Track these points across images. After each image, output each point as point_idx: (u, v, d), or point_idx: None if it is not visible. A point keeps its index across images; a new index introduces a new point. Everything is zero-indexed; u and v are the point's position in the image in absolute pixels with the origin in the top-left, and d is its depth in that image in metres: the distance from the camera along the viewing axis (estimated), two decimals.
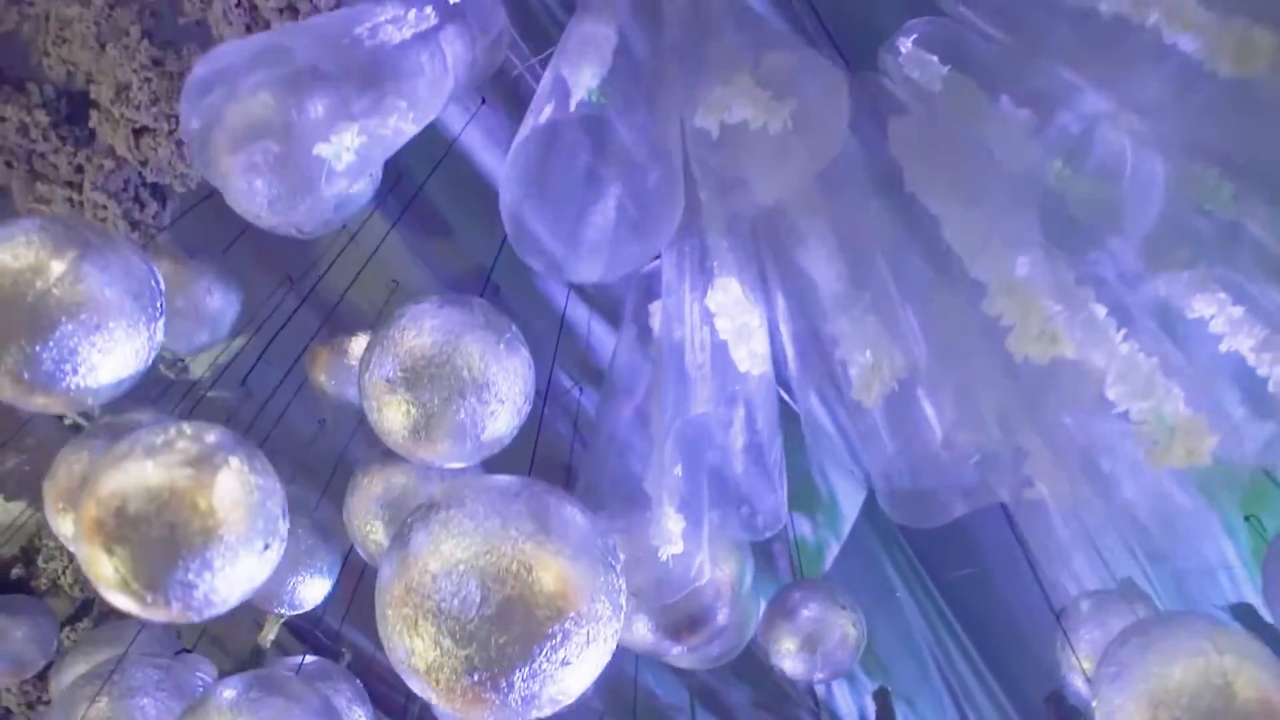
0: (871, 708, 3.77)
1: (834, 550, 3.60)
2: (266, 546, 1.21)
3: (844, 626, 2.14)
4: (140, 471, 1.13)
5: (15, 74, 1.77)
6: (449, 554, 1.19)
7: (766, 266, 1.64)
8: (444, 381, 1.47)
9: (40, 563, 2.70)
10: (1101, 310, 1.29)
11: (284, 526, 1.29)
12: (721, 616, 1.89)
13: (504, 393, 1.50)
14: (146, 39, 1.70)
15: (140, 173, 1.79)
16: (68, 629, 2.52)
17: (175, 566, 1.08)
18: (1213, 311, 1.53)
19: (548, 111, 1.19)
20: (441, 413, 1.48)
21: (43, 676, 2.34)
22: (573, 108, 1.24)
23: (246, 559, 1.16)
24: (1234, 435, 1.11)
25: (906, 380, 1.30)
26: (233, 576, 1.14)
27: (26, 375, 1.23)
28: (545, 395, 2.26)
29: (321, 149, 1.19)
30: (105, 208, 1.81)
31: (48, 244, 1.25)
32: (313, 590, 2.21)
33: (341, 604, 2.65)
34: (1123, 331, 1.26)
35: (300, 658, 2.06)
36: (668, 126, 1.27)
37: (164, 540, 1.08)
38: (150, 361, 1.34)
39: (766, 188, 1.51)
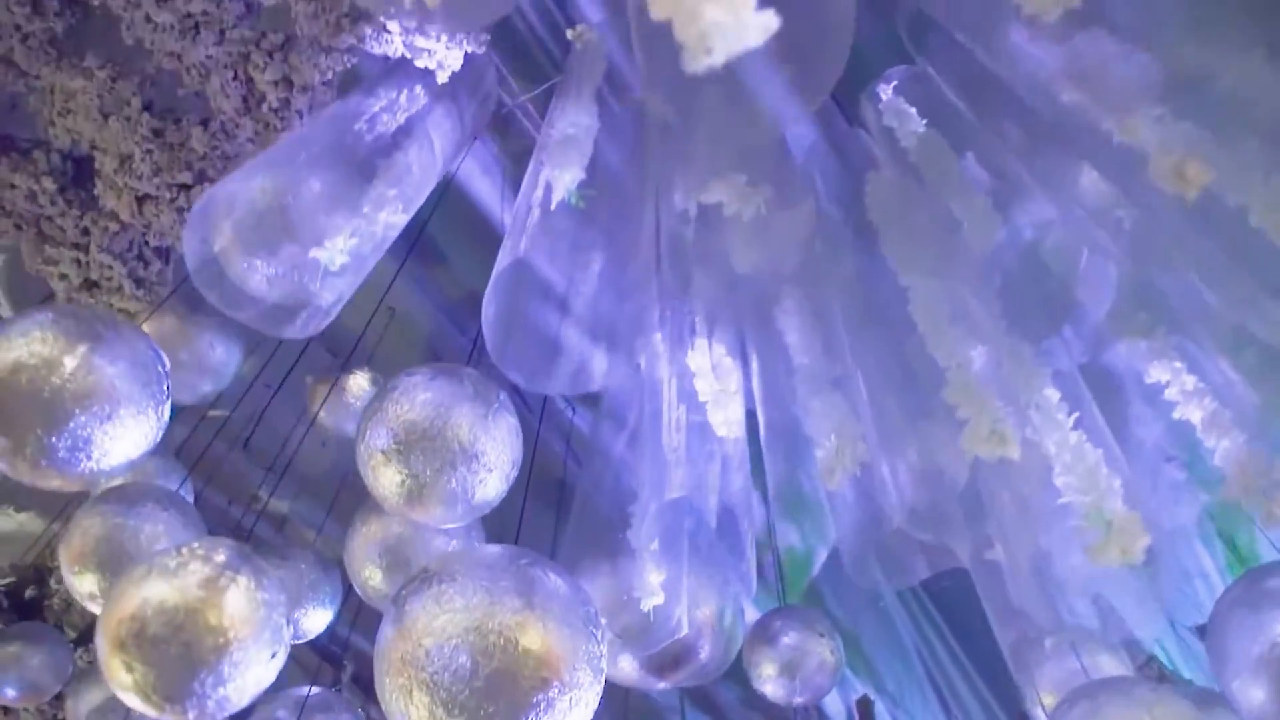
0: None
1: (822, 556, 3.70)
2: (274, 655, 1.30)
3: (822, 653, 2.25)
4: (157, 593, 1.22)
5: (23, 142, 1.83)
6: (441, 629, 1.28)
7: (745, 330, 1.72)
8: (436, 453, 1.55)
9: (53, 583, 2.81)
10: (1055, 395, 1.36)
11: (289, 632, 1.39)
12: (704, 654, 1.98)
13: (492, 461, 1.58)
14: (147, 111, 1.77)
15: (144, 234, 1.87)
16: (81, 650, 2.63)
17: (191, 680, 1.18)
18: (1167, 379, 1.61)
19: (534, 216, 1.26)
20: (434, 481, 1.57)
21: (59, 697, 2.46)
22: (553, 206, 1.31)
23: (256, 667, 1.26)
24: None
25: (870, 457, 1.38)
26: (243, 684, 1.24)
27: (44, 462, 1.32)
28: (540, 414, 2.35)
29: (317, 253, 1.26)
30: (111, 268, 1.88)
31: (60, 338, 1.34)
32: (316, 620, 2.32)
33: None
34: (1074, 417, 1.34)
35: (306, 689, 2.17)
36: (644, 217, 1.34)
37: (180, 658, 1.18)
38: (159, 439, 1.43)
39: (744, 261, 1.59)
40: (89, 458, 1.32)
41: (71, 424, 1.30)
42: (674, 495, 1.39)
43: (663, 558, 1.48)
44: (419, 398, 1.58)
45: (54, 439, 1.29)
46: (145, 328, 1.95)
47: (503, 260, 1.21)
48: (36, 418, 1.27)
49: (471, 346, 2.24)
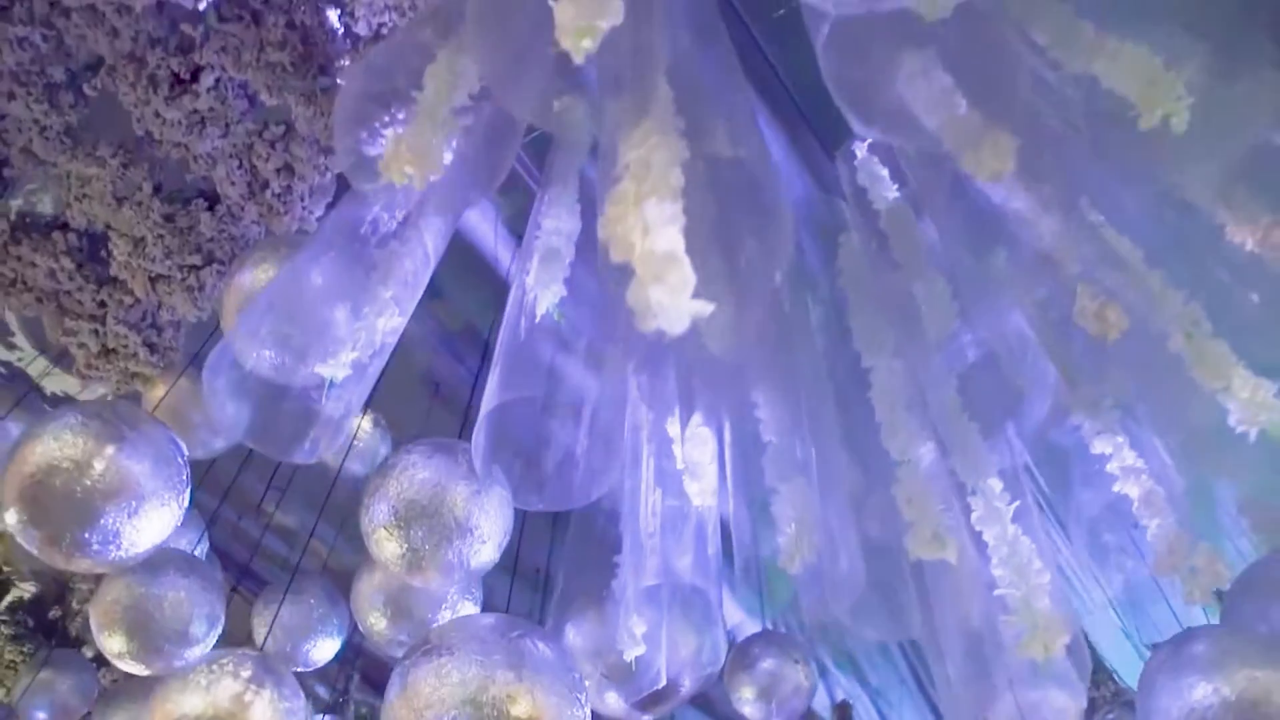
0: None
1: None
2: None
3: (798, 678, 2.42)
4: (191, 705, 1.37)
5: (42, 224, 1.95)
6: (441, 700, 1.44)
7: (720, 400, 1.84)
8: (434, 529, 1.69)
9: (74, 604, 2.97)
10: (998, 485, 1.49)
11: None
12: (685, 689, 2.14)
13: (486, 534, 1.72)
14: (157, 195, 1.88)
15: (157, 307, 1.99)
16: (104, 670, 2.80)
17: None
18: (1110, 451, 1.74)
19: (521, 326, 1.39)
20: (432, 552, 1.71)
21: (85, 717, 2.63)
22: (538, 319, 1.43)
23: None
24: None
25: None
26: None
27: (77, 554, 1.45)
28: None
29: (321, 369, 1.38)
30: (126, 337, 2.00)
31: (89, 440, 1.46)
32: (325, 650, 2.48)
33: None
34: (1014, 506, 1.47)
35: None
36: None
37: None
38: (181, 522, 1.56)
39: (712, 342, 1.71)
40: (118, 547, 1.46)
41: (102, 521, 1.43)
42: (649, 583, 1.53)
43: (644, 610, 1.62)
44: (418, 476, 1.72)
45: (86, 534, 1.42)
46: (159, 391, 2.09)
47: (491, 397, 1.34)
48: (70, 516, 1.41)
49: (473, 380, 2.38)
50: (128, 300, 1.98)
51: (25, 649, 2.80)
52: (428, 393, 3.14)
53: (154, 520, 1.50)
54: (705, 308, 0.74)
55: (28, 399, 2.40)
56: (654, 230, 0.78)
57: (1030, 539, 1.43)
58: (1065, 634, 1.27)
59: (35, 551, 1.47)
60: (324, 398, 1.39)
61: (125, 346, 2.02)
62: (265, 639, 2.30)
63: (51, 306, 1.99)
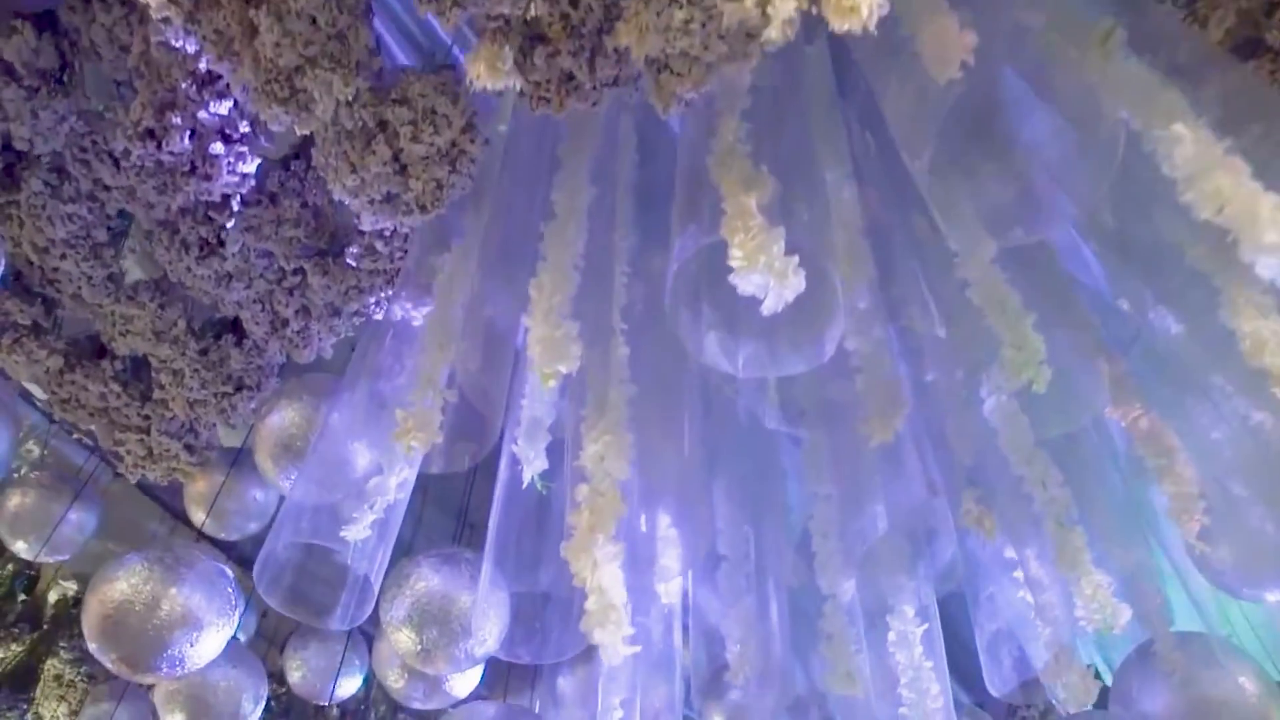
0: None
1: None
2: None
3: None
4: None
5: (92, 355, 2.22)
6: None
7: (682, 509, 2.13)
8: (443, 630, 2.01)
9: None
10: (910, 610, 1.78)
11: None
12: None
13: (487, 633, 2.04)
14: (191, 333, 2.14)
15: (195, 420, 2.27)
16: None
17: None
18: (1015, 557, 2.03)
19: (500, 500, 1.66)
20: (440, 648, 2.03)
21: None
22: (524, 484, 1.71)
23: None
24: None
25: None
26: None
27: (149, 674, 1.77)
28: None
29: (347, 533, 1.67)
30: (168, 445, 2.29)
31: (156, 581, 1.76)
32: (348, 687, 2.83)
33: None
34: (923, 629, 1.77)
35: None
36: None
37: None
38: (234, 635, 1.88)
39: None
40: (182, 666, 1.77)
41: (169, 650, 1.75)
42: (621, 697, 1.84)
43: (620, 677, 1.93)
44: (430, 583, 2.03)
45: (156, 660, 1.74)
46: (199, 484, 2.39)
47: (486, 578, 1.62)
48: (143, 648, 1.72)
49: (467, 483, 2.67)
50: (169, 415, 2.26)
51: (83, 670, 3.17)
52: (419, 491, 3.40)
53: (211, 642, 1.82)
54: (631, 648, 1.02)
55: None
56: (601, 566, 1.06)
57: (934, 662, 1.73)
58: None
59: (111, 669, 1.79)
60: (349, 559, 1.68)
61: (168, 451, 2.31)
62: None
63: (103, 421, 2.27)
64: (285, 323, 2.11)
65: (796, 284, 1.01)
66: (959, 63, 1.15)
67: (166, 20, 1.50)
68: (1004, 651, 1.96)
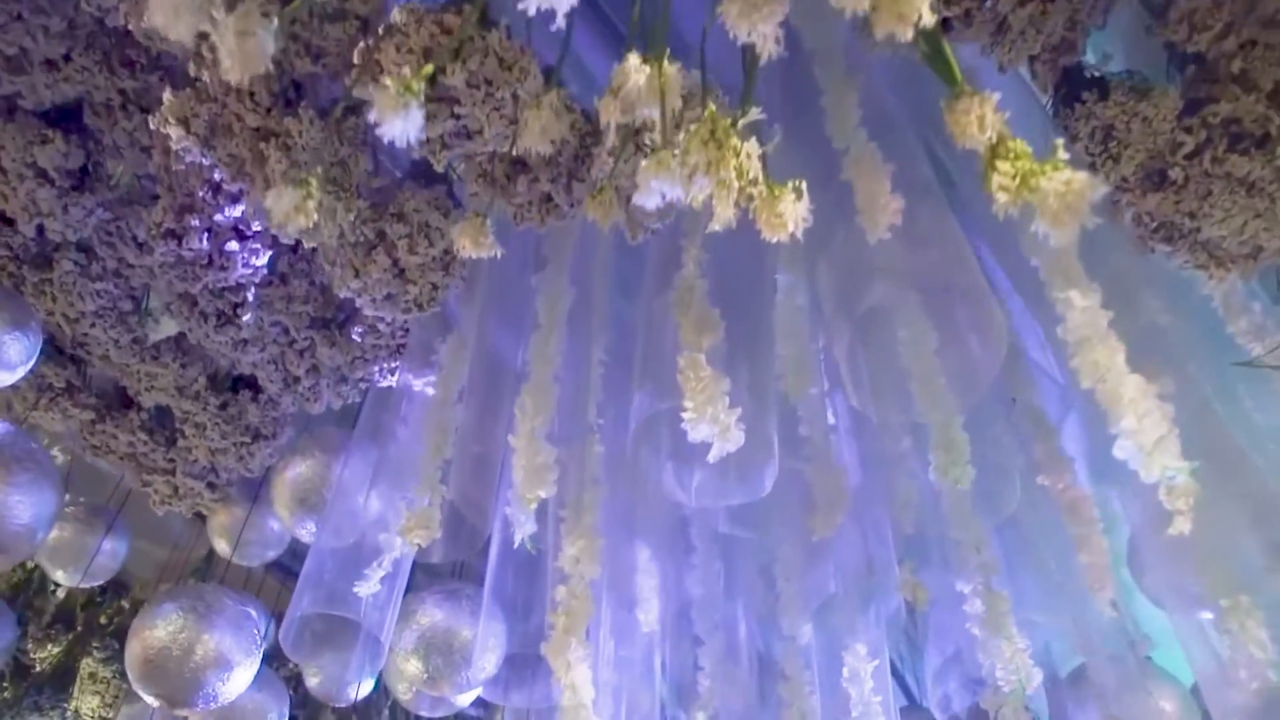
0: None
1: None
2: None
3: None
4: None
5: (120, 406, 2.41)
6: None
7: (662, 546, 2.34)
8: (447, 658, 2.23)
9: None
10: (864, 648, 1.99)
11: None
12: None
13: (486, 663, 2.26)
14: (211, 390, 2.33)
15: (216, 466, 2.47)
16: None
17: None
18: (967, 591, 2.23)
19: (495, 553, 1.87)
20: (445, 675, 2.25)
21: None
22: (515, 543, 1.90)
23: None
24: None
25: None
26: None
27: (186, 710, 1.99)
28: None
29: (359, 588, 1.88)
30: (192, 485, 2.49)
31: (190, 628, 1.98)
32: (361, 690, 3.08)
33: None
34: (874, 665, 1.98)
35: None
36: None
37: None
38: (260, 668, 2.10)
39: None
40: (216, 700, 2.00)
41: (204, 689, 1.97)
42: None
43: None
44: (434, 618, 2.25)
45: (194, 698, 1.96)
46: (221, 516, 2.60)
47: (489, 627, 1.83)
48: (181, 688, 1.95)
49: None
50: (192, 459, 2.46)
51: (115, 669, 3.42)
52: None
53: (241, 678, 2.05)
54: None
55: None
56: (574, 668, 1.26)
57: (882, 697, 1.95)
58: None
59: (153, 704, 2.02)
60: (361, 615, 1.89)
61: (192, 490, 2.52)
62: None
63: (131, 464, 2.47)
64: (297, 380, 2.30)
65: (737, 438, 1.19)
66: (888, 224, 1.32)
67: (185, 147, 1.66)
68: (951, 678, 2.18)
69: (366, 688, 3.19)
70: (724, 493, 1.55)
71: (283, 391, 2.32)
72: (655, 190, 1.02)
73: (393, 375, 2.11)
